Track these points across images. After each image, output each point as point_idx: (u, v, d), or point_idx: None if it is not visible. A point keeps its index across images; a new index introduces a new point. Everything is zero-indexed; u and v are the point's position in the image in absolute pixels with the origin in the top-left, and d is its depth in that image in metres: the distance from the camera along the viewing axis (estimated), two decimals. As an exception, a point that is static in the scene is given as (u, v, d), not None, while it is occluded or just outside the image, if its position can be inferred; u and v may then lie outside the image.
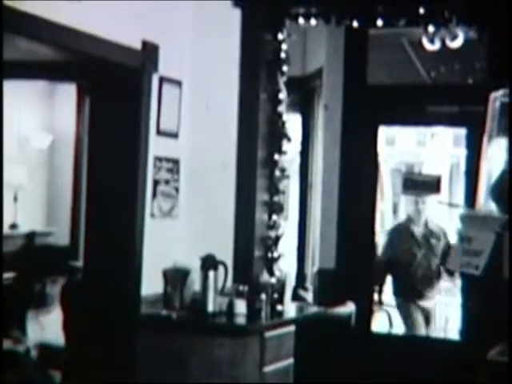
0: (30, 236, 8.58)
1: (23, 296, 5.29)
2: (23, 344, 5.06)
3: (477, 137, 6.26)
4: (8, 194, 8.47)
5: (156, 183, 5.01)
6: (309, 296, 6.95)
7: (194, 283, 4.98)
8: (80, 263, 5.46)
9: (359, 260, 6.65)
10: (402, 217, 8.62)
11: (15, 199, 8.55)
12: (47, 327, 5.27)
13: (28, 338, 5.13)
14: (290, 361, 5.04)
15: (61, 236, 8.66)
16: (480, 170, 3.74)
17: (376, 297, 7.10)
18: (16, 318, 5.16)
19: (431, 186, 7.34)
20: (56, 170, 9.18)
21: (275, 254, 5.36)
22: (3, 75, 3.99)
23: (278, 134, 5.40)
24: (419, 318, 7.13)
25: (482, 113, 3.71)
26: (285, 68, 5.43)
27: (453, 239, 6.37)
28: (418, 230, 7.19)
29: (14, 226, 8.59)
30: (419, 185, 7.38)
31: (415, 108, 6.61)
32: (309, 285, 7.22)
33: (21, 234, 8.56)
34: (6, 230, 8.45)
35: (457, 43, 6.14)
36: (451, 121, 6.75)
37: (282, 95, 5.42)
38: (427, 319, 7.19)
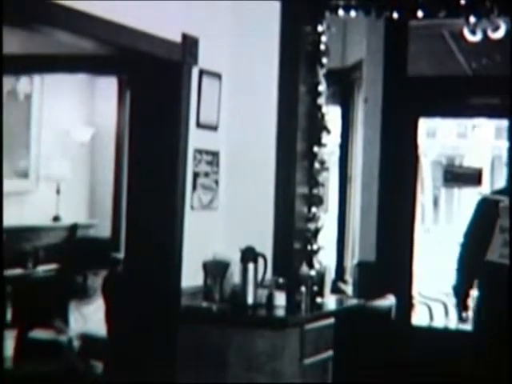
0: (73, 228, 8.68)
1: (66, 287, 5.37)
2: (66, 334, 5.14)
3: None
4: (51, 187, 8.58)
5: (196, 176, 5.03)
6: (348, 289, 6.94)
7: (234, 275, 4.99)
8: (121, 255, 5.52)
9: (399, 252, 6.62)
10: (442, 209, 8.55)
11: (58, 192, 8.64)
12: (89, 318, 5.34)
13: (70, 328, 5.21)
14: (330, 353, 5.04)
15: (102, 228, 8.75)
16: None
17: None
18: (59, 308, 5.24)
19: (472, 178, 7.27)
20: (97, 162, 9.25)
21: (315, 247, 5.36)
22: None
23: (317, 127, 5.39)
24: None
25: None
26: (324, 60, 5.41)
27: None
28: None
29: (56, 219, 8.69)
30: (460, 177, 7.32)
31: (456, 100, 6.56)
32: (348, 277, 7.21)
33: (63, 227, 8.66)
34: (48, 222, 8.57)
35: (499, 34, 6.07)
36: (493, 112, 6.69)
37: (322, 87, 5.40)
38: None
